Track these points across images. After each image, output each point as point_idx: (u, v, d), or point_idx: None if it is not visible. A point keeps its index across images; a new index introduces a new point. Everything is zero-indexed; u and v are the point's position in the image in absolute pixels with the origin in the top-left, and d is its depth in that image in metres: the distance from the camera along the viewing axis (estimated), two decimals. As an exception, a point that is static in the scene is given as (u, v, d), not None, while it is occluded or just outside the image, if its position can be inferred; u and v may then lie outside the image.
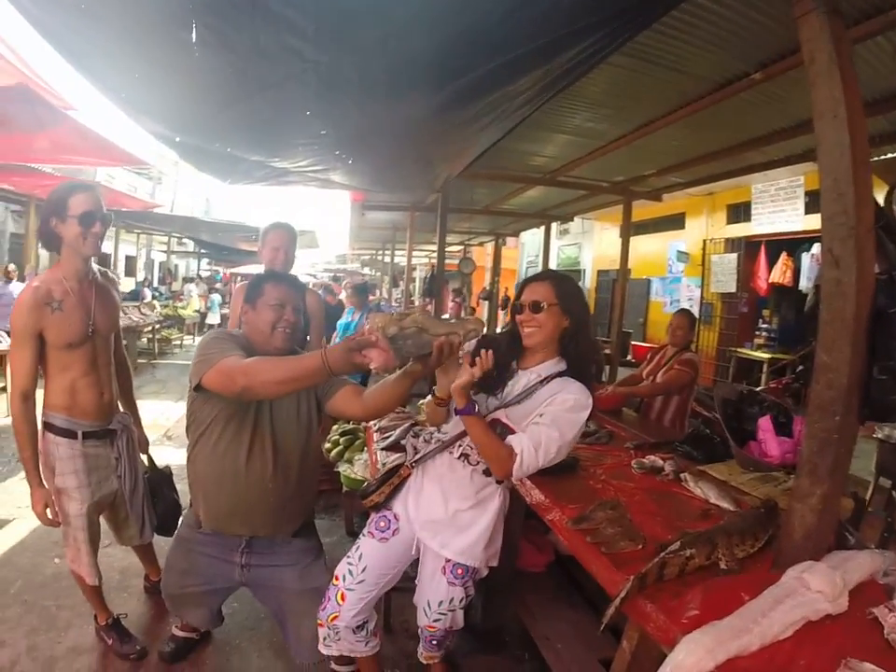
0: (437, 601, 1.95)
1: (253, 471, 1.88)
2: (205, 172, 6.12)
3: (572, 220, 10.06)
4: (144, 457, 2.76)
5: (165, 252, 20.30)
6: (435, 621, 1.96)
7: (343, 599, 1.94)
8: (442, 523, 1.91)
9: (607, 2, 1.84)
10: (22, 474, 2.31)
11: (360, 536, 2.06)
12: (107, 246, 16.24)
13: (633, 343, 8.61)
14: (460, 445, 1.91)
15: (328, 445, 3.95)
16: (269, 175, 4.85)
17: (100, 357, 2.38)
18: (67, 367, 2.26)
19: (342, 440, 3.92)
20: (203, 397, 1.85)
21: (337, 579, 1.98)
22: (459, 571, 1.92)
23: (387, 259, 15.40)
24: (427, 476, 1.97)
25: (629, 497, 2.10)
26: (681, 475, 2.35)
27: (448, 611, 1.95)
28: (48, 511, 2.22)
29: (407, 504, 1.99)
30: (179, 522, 2.53)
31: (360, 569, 1.96)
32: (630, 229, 6.42)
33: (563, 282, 1.91)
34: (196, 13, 2.08)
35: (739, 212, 9.08)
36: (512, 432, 1.75)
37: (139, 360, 10.57)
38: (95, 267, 2.38)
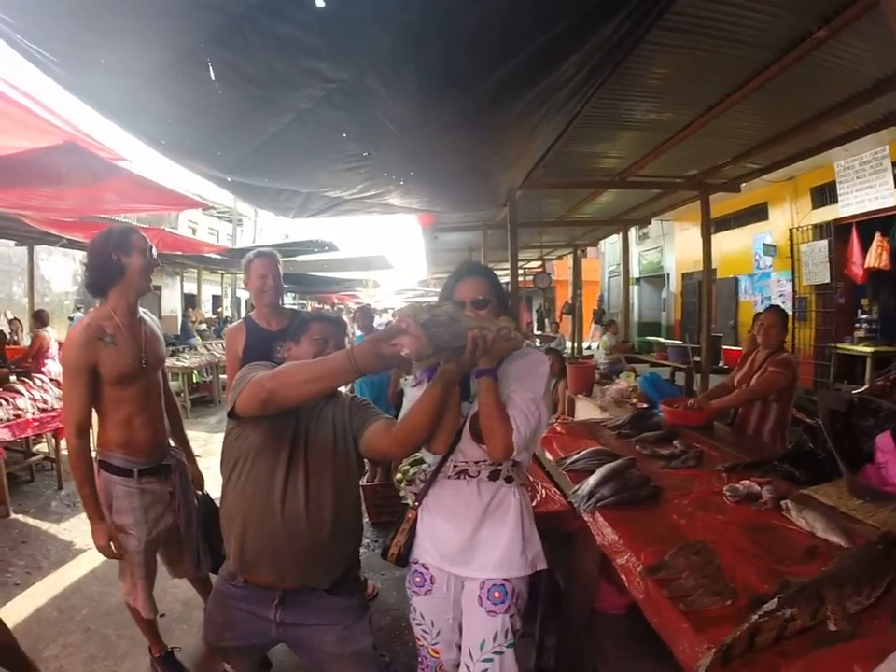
0: (478, 643, 1.67)
1: (284, 510, 1.74)
2: (265, 208, 6.31)
3: (650, 223, 9.71)
4: (198, 492, 2.71)
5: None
6: (483, 671, 1.66)
7: (436, 653, 1.83)
8: (465, 549, 1.71)
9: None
10: None
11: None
12: (191, 287, 17.29)
13: (724, 347, 8.03)
14: (454, 465, 1.74)
15: (398, 476, 3.82)
16: (327, 205, 4.88)
17: (152, 393, 2.38)
18: (122, 403, 2.25)
19: (411, 469, 3.77)
20: (238, 428, 1.79)
21: (419, 640, 1.88)
22: (497, 595, 1.68)
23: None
24: (434, 512, 1.79)
25: (719, 534, 1.77)
26: (782, 502, 2.00)
27: (493, 654, 1.65)
28: (111, 544, 2.20)
29: (428, 549, 1.80)
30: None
31: (429, 624, 1.82)
32: (710, 225, 6.03)
33: (491, 274, 1.85)
34: (208, 50, 2.04)
35: (824, 194, 8.42)
36: None
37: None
38: (141, 309, 2.41)
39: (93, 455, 2.27)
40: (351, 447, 1.83)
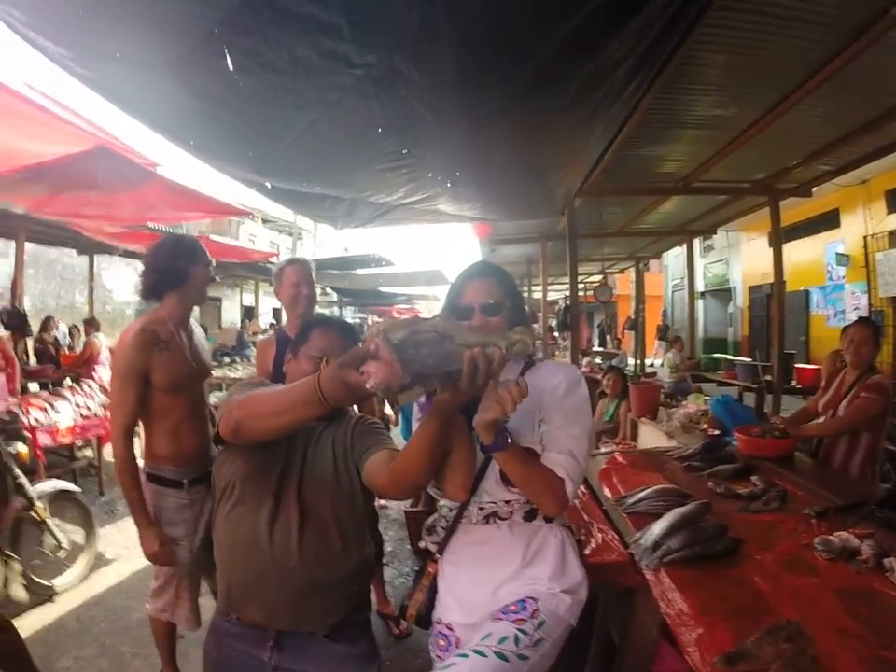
0: (477, 637, 1.36)
1: (273, 545, 1.53)
2: (311, 217, 6.22)
3: (715, 234, 9.28)
4: None
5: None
6: (450, 665, 1.32)
7: None
8: (495, 604, 1.41)
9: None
10: None
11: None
12: (250, 299, 17.63)
13: (796, 365, 7.49)
14: (479, 508, 1.46)
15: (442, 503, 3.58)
16: (374, 213, 4.74)
17: (200, 402, 2.38)
18: (171, 411, 2.23)
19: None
20: (225, 452, 1.62)
21: None
22: (513, 607, 1.39)
23: (524, 295, 15.02)
24: (458, 563, 1.51)
25: (812, 605, 1.42)
26: (885, 560, 1.65)
27: (472, 651, 1.30)
28: (161, 550, 2.16)
29: (452, 607, 1.52)
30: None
31: None
32: (781, 234, 5.57)
33: (504, 275, 1.57)
34: (222, 35, 1.89)
35: None
36: (536, 454, 1.40)
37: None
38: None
39: (140, 464, 2.25)
40: (354, 476, 1.57)
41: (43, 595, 3.20)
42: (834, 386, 3.18)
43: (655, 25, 1.86)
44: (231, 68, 2.03)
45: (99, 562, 3.80)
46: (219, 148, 2.87)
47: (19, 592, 3.01)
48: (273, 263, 10.10)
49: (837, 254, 9.14)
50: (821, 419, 3.18)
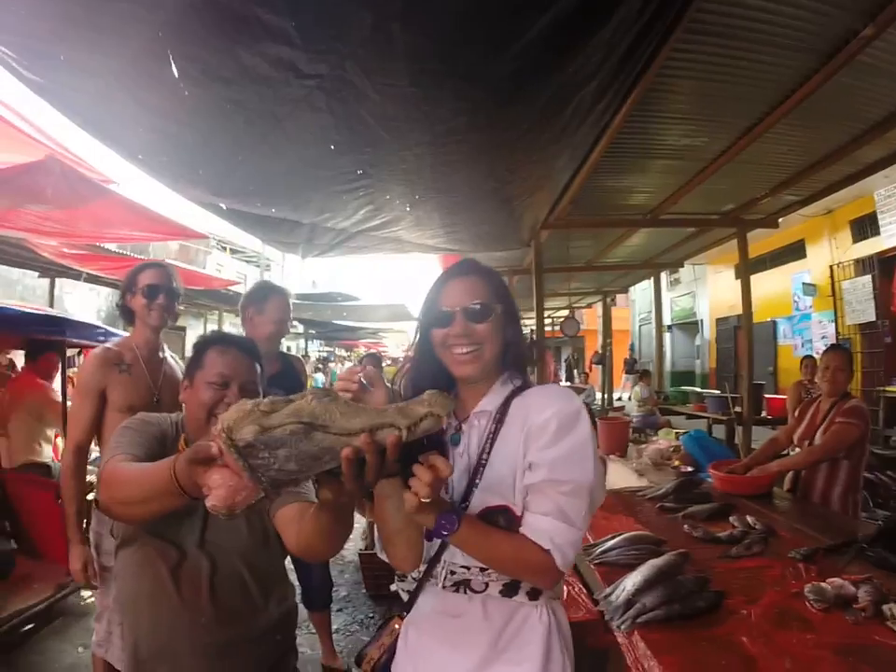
0: None
1: (181, 597, 1.33)
2: (271, 243, 6.02)
3: (682, 267, 9.39)
4: None
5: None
6: None
7: None
8: None
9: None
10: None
11: None
12: (213, 329, 17.18)
13: (765, 396, 7.52)
14: (450, 572, 1.14)
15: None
16: (335, 240, 4.60)
17: None
18: None
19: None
20: None
21: None
22: None
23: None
24: (423, 632, 1.22)
25: (809, 668, 1.26)
26: (884, 607, 1.50)
27: None
28: (87, 569, 2.15)
29: None
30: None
31: None
32: (748, 265, 5.62)
33: (493, 275, 1.27)
34: (167, 41, 1.76)
35: (865, 226, 8.04)
36: (514, 515, 1.09)
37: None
38: (167, 350, 2.44)
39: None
40: (267, 519, 1.37)
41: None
42: (809, 417, 3.08)
43: (623, 40, 1.78)
44: (177, 75, 1.90)
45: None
46: (169, 164, 2.71)
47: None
48: (233, 291, 9.79)
49: (804, 284, 9.26)
50: (798, 452, 3.07)
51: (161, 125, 2.34)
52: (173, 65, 1.86)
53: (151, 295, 2.25)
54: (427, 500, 0.93)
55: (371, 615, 3.47)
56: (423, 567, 1.17)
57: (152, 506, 1.05)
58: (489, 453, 1.13)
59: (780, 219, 5.61)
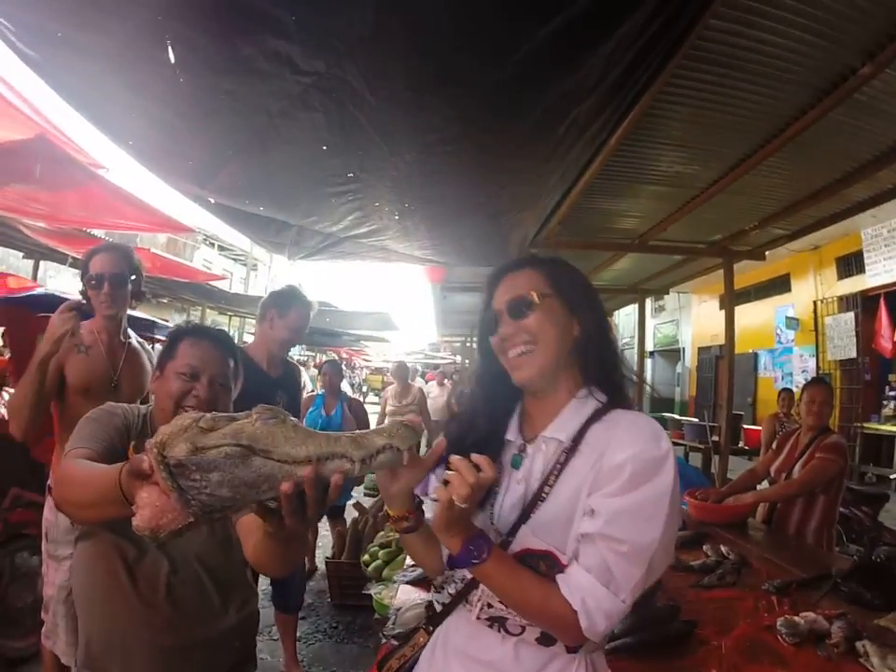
0: None
1: (137, 595, 1.30)
2: (258, 242, 5.97)
3: (668, 294, 9.45)
4: None
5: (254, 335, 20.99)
6: None
7: None
8: None
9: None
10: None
11: None
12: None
13: (744, 426, 7.58)
14: (487, 605, 1.01)
15: (365, 557, 3.25)
16: (322, 244, 4.54)
17: None
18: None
19: (381, 553, 3.15)
20: None
21: None
22: None
23: (475, 347, 14.95)
24: (449, 651, 1.09)
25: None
26: (858, 644, 1.49)
27: None
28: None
29: None
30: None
31: None
32: (733, 295, 5.61)
33: (554, 264, 1.10)
34: (166, 24, 1.72)
35: (850, 264, 8.25)
36: (559, 563, 0.94)
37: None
38: (134, 337, 2.44)
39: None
40: (231, 528, 1.33)
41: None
42: (787, 449, 3.09)
43: (624, 58, 1.76)
44: (173, 60, 1.86)
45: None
46: (158, 154, 2.65)
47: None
48: (215, 287, 9.67)
49: (787, 317, 9.44)
50: (777, 486, 3.07)
51: (153, 111, 2.28)
52: (169, 49, 1.82)
53: (97, 285, 2.24)
54: (464, 505, 0.84)
55: (335, 625, 3.37)
56: (460, 585, 1.07)
57: (102, 510, 1.01)
58: (552, 486, 0.98)
59: (767, 252, 5.58)
